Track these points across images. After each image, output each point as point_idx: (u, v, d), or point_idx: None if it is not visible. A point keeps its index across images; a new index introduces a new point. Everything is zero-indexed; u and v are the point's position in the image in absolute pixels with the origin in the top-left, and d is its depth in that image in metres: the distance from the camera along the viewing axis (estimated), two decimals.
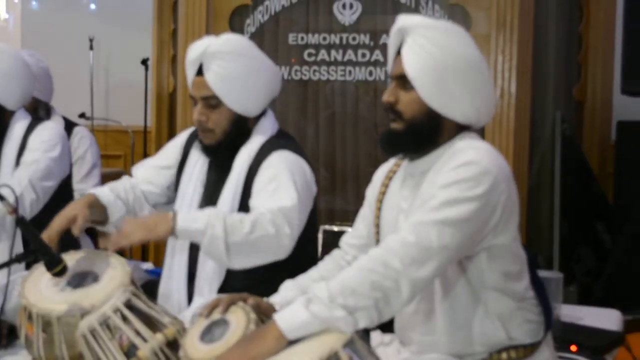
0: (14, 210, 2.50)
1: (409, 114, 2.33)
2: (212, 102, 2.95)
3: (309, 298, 2.08)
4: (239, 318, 2.34)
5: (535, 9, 5.20)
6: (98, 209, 3.00)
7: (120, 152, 7.04)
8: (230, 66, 2.92)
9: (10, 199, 2.60)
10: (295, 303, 2.10)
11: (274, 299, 2.54)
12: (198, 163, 3.12)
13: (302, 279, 2.64)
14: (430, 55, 2.28)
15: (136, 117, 6.72)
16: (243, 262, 2.78)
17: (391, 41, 2.40)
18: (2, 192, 2.58)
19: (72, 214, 2.83)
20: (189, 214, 2.79)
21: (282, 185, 2.88)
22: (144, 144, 6.64)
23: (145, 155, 6.65)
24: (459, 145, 2.32)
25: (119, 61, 7.20)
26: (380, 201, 2.56)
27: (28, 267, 2.96)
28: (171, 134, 6.15)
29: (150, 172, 3.22)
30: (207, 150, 3.05)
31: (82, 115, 6.66)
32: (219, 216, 2.73)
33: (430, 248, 2.13)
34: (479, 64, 2.34)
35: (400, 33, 2.35)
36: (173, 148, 3.25)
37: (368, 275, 2.09)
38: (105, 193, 3.07)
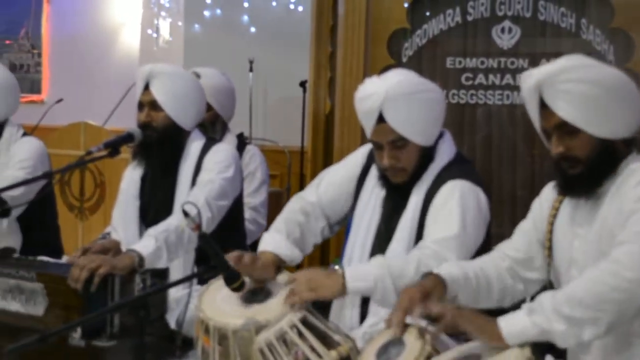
0: (198, 226, 2.62)
1: (585, 154, 2.43)
2: (399, 144, 3.00)
3: (532, 307, 2.14)
4: (413, 344, 2.36)
5: None
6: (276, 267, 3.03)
7: (277, 171, 7.17)
8: (412, 107, 2.97)
9: (193, 215, 2.72)
10: (521, 310, 2.18)
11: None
12: (376, 188, 3.17)
13: (465, 263, 2.72)
14: (580, 95, 2.39)
15: (293, 137, 6.85)
16: None
17: (529, 98, 2.52)
18: (186, 209, 2.70)
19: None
20: (356, 271, 2.80)
21: (450, 214, 2.91)
22: (300, 165, 6.76)
23: (302, 175, 6.78)
24: (632, 165, 2.41)
25: (277, 82, 7.36)
26: (551, 224, 2.58)
27: (201, 281, 3.08)
28: (327, 155, 6.24)
29: (331, 193, 3.28)
30: (394, 187, 3.10)
31: (240, 135, 6.83)
32: (384, 267, 2.77)
33: None
34: (618, 75, 2.46)
35: (537, 89, 2.46)
36: (353, 164, 3.31)
37: (596, 287, 2.12)
38: (282, 247, 3.06)
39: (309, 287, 2.69)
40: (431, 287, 2.52)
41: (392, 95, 2.95)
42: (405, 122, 2.97)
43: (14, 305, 3.06)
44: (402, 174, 3.05)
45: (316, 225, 3.23)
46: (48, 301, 3.00)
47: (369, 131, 3.05)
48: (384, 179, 3.12)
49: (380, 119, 2.98)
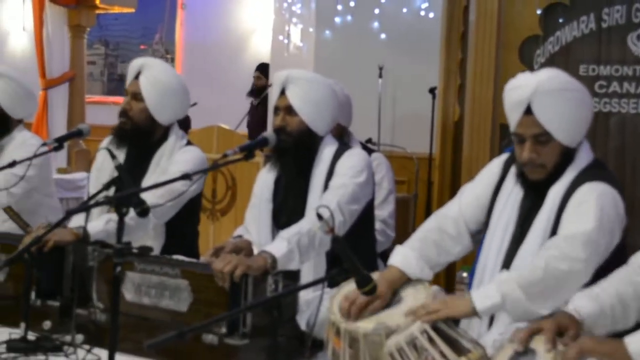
0: (331, 229, 2.66)
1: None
2: (542, 139, 2.99)
3: None
4: (546, 356, 2.35)
5: None
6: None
7: (404, 177, 7.18)
8: (560, 102, 2.96)
9: (327, 218, 2.77)
10: None
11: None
12: (515, 187, 3.16)
13: (600, 291, 2.68)
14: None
15: (421, 144, 6.85)
16: (549, 305, 2.78)
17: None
18: (320, 212, 2.75)
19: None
20: (482, 290, 2.83)
21: (586, 212, 2.88)
22: (428, 172, 6.76)
23: (429, 182, 6.77)
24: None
25: (406, 89, 7.37)
26: None
27: (331, 284, 3.12)
28: (455, 163, 6.23)
29: (472, 205, 3.28)
30: (531, 185, 3.09)
31: (368, 141, 6.88)
32: (510, 281, 2.77)
33: None
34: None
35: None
36: (488, 175, 3.30)
37: None
38: (412, 266, 3.06)
39: (443, 303, 2.72)
40: (566, 325, 2.51)
41: (542, 88, 2.96)
42: (552, 117, 2.96)
43: (156, 301, 3.16)
44: (541, 170, 3.03)
45: (454, 243, 3.20)
46: (193, 298, 3.09)
47: (513, 123, 3.04)
48: (521, 176, 3.10)
49: (528, 111, 2.98)
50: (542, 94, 2.96)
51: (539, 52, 5.64)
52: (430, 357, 2.53)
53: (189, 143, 4.16)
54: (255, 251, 3.66)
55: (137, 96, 3.99)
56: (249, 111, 9.81)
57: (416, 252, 3.09)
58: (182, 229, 4.14)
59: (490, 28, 5.71)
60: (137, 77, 4.02)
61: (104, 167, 4.10)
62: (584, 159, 3.08)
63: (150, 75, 4.00)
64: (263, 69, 9.75)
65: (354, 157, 3.62)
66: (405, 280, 3.00)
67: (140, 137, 4.04)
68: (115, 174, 3.93)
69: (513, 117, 3.05)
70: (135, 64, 4.05)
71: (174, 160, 4.03)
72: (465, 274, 4.45)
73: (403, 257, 3.07)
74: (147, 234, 3.95)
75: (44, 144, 3.86)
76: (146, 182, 3.88)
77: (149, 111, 4.00)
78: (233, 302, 3.02)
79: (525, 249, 3.01)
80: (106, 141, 4.16)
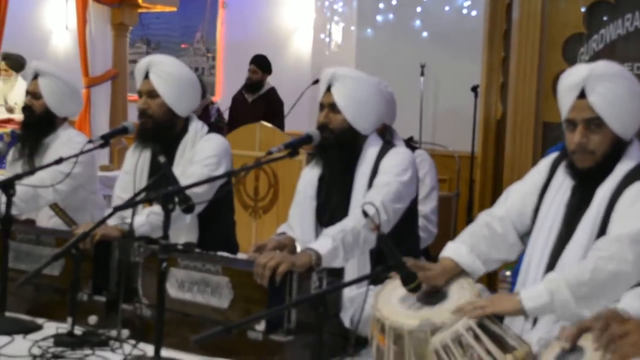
0: (377, 227, 2.67)
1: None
2: (594, 125, 2.97)
3: None
4: (594, 354, 2.33)
5: None
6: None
7: (446, 176, 7.17)
8: (614, 88, 2.94)
9: (372, 215, 2.78)
10: None
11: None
12: (562, 187, 3.14)
13: None
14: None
15: (463, 142, 6.84)
16: (597, 305, 2.75)
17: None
18: (366, 209, 2.76)
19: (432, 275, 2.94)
20: (531, 289, 2.80)
21: (635, 213, 2.85)
22: (470, 170, 6.74)
23: (471, 181, 6.75)
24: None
25: (448, 87, 7.36)
26: None
27: (374, 281, 3.12)
28: (497, 161, 6.20)
29: (518, 207, 3.25)
30: (580, 173, 3.06)
31: (410, 139, 6.86)
32: (559, 281, 2.75)
33: None
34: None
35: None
36: (535, 176, 3.28)
37: None
38: (463, 256, 3.07)
39: (490, 300, 2.71)
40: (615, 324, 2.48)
41: (597, 72, 2.95)
42: (605, 102, 2.94)
43: (198, 297, 3.19)
44: (590, 158, 2.99)
45: (503, 241, 3.18)
46: (233, 294, 3.11)
47: (566, 108, 3.02)
48: (570, 167, 3.07)
49: (581, 95, 2.97)
50: (597, 77, 2.94)
51: (583, 50, 5.60)
52: (475, 354, 2.52)
53: (209, 132, 4.21)
54: (299, 248, 3.67)
55: (152, 93, 4.05)
56: (232, 106, 9.10)
57: (467, 245, 3.09)
58: (216, 220, 4.17)
59: (533, 26, 5.68)
60: (146, 76, 4.08)
61: (130, 169, 4.20)
62: (635, 157, 3.03)
63: (160, 71, 4.05)
64: (259, 62, 9.22)
65: (398, 155, 3.62)
66: (458, 272, 3.00)
67: (163, 132, 4.09)
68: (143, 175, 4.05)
69: (566, 102, 3.02)
70: (141, 64, 4.10)
71: (198, 149, 4.10)
72: (508, 273, 4.43)
73: (454, 250, 3.07)
74: (181, 228, 4.00)
75: (90, 141, 3.90)
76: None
77: (167, 105, 4.05)
78: (272, 299, 3.03)
79: (571, 249, 2.98)
80: (132, 147, 4.24)
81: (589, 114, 2.97)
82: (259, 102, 8.88)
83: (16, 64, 9.80)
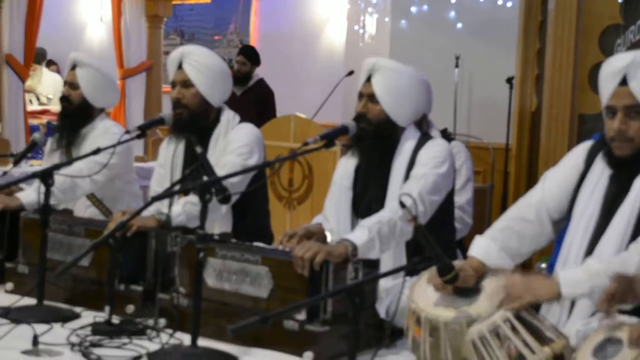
0: (414, 218, 2.67)
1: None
2: (634, 112, 2.95)
3: None
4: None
5: None
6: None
7: (480, 168, 7.15)
8: None
9: (411, 208, 2.77)
10: None
11: None
12: (602, 176, 3.11)
13: None
14: None
15: (497, 134, 6.82)
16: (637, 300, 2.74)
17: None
18: (403, 200, 2.76)
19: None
20: (571, 276, 2.76)
21: None
22: (504, 162, 6.71)
23: (505, 173, 6.72)
24: None
25: (482, 79, 7.34)
26: None
27: (409, 273, 3.12)
28: (532, 153, 6.18)
29: (555, 192, 3.23)
30: (618, 162, 3.04)
31: (444, 131, 6.84)
32: (600, 273, 2.71)
33: None
34: None
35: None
36: (573, 162, 3.25)
37: None
38: (492, 257, 3.05)
39: (526, 289, 2.69)
40: None
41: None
42: None
43: (237, 287, 3.20)
44: (629, 145, 2.96)
45: (534, 230, 3.16)
46: (273, 284, 3.12)
47: (607, 95, 3.00)
48: (608, 155, 3.05)
49: (623, 82, 2.95)
50: (639, 64, 2.93)
51: (620, 42, 5.57)
52: (512, 346, 2.52)
53: (240, 121, 4.23)
54: (329, 238, 3.68)
55: (186, 83, 4.07)
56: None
57: (497, 244, 3.07)
58: (250, 209, 4.19)
59: (569, 17, 5.65)
60: (180, 67, 4.10)
61: (164, 162, 4.24)
62: None
63: (194, 61, 4.08)
64: (248, 53, 8.87)
65: (436, 147, 3.61)
66: (486, 270, 2.99)
67: (197, 122, 4.10)
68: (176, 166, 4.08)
69: (607, 88, 3.00)
70: (174, 55, 4.13)
71: (230, 138, 4.12)
72: (543, 265, 4.41)
73: (483, 249, 3.06)
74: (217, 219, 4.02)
75: (127, 132, 3.93)
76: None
77: (201, 94, 4.08)
78: (312, 289, 3.04)
79: (608, 237, 2.96)
80: (166, 140, 4.27)
81: (629, 100, 2.95)
82: (248, 94, 8.71)
83: (38, 56, 9.89)
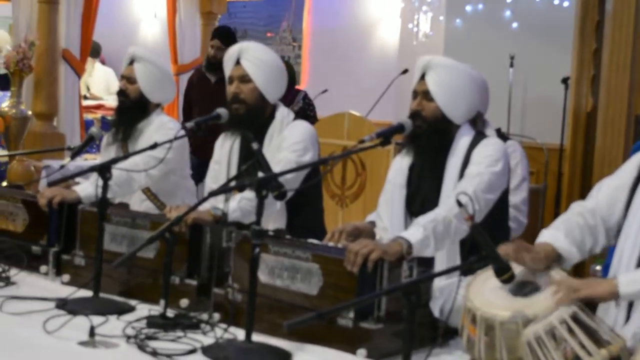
0: (470, 217, 2.66)
1: None
2: None
3: None
4: None
5: None
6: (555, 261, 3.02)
7: (534, 169, 7.08)
8: None
9: (467, 206, 2.77)
10: None
11: None
12: None
13: None
14: None
15: (552, 134, 6.77)
16: None
17: None
18: (460, 199, 2.75)
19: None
20: (630, 276, 2.76)
21: None
22: (558, 163, 6.66)
23: (559, 174, 6.67)
24: None
25: (537, 79, 7.29)
26: None
27: (464, 272, 3.11)
28: (587, 154, 6.12)
29: (609, 199, 3.19)
30: None
31: (497, 131, 6.80)
32: None
33: None
34: None
35: None
36: (628, 169, 3.22)
37: None
38: (560, 240, 3.03)
39: (584, 284, 2.67)
40: None
41: None
42: None
43: (288, 284, 3.21)
44: None
45: (594, 231, 3.13)
46: (323, 281, 3.13)
47: None
48: None
49: None
50: None
51: None
52: (569, 347, 2.50)
53: (295, 118, 4.27)
54: (378, 235, 3.69)
55: (244, 78, 4.12)
56: (188, 89, 7.75)
57: (562, 232, 3.04)
58: (304, 206, 4.20)
59: (627, 17, 5.60)
60: (237, 62, 4.14)
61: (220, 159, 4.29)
62: None
63: (252, 57, 4.12)
64: (223, 37, 7.61)
65: (490, 146, 3.60)
66: (555, 258, 2.96)
67: (254, 118, 4.14)
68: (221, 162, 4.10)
69: None
70: (232, 50, 4.18)
71: (285, 135, 4.14)
72: (598, 267, 4.38)
73: (551, 235, 3.03)
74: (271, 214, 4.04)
75: (183, 127, 3.95)
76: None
77: (258, 90, 4.12)
78: (361, 287, 3.04)
79: None
80: (221, 137, 4.29)
81: None
82: (224, 81, 8.17)
83: (92, 51, 9.98)
